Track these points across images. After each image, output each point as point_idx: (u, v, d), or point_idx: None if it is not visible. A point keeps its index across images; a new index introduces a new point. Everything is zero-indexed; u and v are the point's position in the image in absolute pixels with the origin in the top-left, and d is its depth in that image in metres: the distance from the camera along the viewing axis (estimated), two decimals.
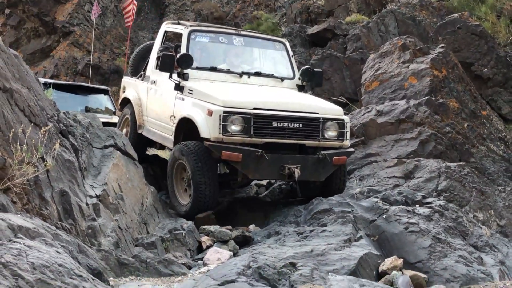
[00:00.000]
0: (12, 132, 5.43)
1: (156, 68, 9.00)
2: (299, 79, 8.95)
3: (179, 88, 8.20)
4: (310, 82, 8.95)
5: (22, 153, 5.42)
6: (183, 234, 7.39)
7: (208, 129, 7.44)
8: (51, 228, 5.00)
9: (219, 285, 5.36)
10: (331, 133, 7.85)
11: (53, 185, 5.95)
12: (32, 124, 5.95)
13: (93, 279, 4.22)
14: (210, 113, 7.42)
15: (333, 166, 7.80)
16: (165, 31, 9.47)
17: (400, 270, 6.29)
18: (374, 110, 10.28)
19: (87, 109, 11.51)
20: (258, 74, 8.84)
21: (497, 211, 8.55)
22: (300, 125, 7.66)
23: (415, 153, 9.25)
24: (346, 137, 7.99)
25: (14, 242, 3.99)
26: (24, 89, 6.15)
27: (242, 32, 9.59)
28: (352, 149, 8.45)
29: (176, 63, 8.14)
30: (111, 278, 5.64)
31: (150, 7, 23.93)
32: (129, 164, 7.95)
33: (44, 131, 5.84)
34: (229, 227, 7.65)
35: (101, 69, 20.19)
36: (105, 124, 8.63)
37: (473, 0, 14.99)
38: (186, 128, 8.10)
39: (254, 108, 7.50)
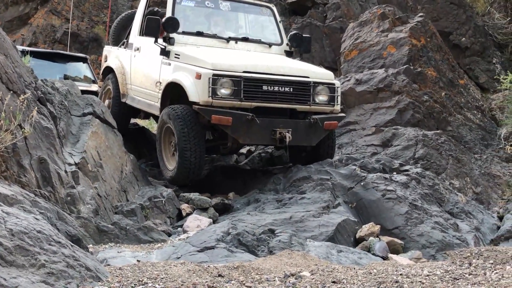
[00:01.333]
0: None
1: (141, 34, 8.86)
2: (287, 45, 8.75)
3: (165, 53, 7.98)
4: (298, 48, 8.74)
5: (0, 120, 5.37)
6: (163, 201, 7.39)
7: (197, 92, 7.23)
8: (29, 195, 4.97)
9: (198, 251, 5.40)
10: (322, 97, 7.65)
11: (31, 153, 5.91)
12: (10, 91, 5.87)
13: (72, 246, 4.21)
14: (198, 76, 7.21)
15: (324, 131, 7.64)
16: None
17: (377, 236, 6.37)
18: (353, 79, 10.30)
19: (66, 77, 11.34)
20: (245, 39, 8.61)
21: (473, 178, 8.64)
22: (291, 89, 7.47)
23: (393, 122, 9.31)
24: (337, 102, 7.77)
25: None
26: (1, 56, 6.05)
27: None
28: (343, 114, 8.27)
29: (162, 27, 7.89)
30: (91, 245, 5.64)
31: None
32: (108, 132, 7.89)
33: (22, 99, 5.77)
34: (208, 194, 7.67)
35: (79, 37, 19.89)
36: (84, 92, 8.53)
37: None
38: (173, 94, 7.90)
39: (244, 72, 7.29)
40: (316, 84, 7.60)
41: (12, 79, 6.09)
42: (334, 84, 7.77)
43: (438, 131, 9.13)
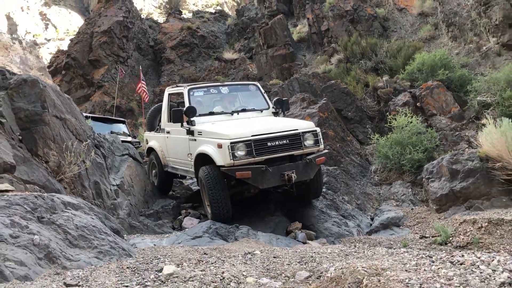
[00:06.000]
0: (64, 145, 5.28)
1: (169, 121, 7.74)
2: (273, 107, 7.62)
3: (190, 132, 6.95)
4: (281, 108, 7.60)
5: (71, 158, 5.28)
6: (170, 208, 7.30)
7: (221, 158, 6.18)
8: (88, 204, 4.86)
9: (192, 239, 5.33)
10: (309, 141, 6.63)
11: (90, 178, 5.80)
12: (77, 140, 5.80)
13: (114, 235, 4.12)
14: (220, 146, 6.21)
15: (317, 166, 6.62)
16: (169, 94, 8.05)
17: (300, 230, 6.36)
18: None
19: (112, 133, 11.20)
20: (244, 110, 7.45)
21: (356, 195, 8.73)
22: (287, 140, 6.45)
23: None
24: (321, 143, 6.73)
25: (65, 211, 3.87)
26: (73, 119, 5.99)
27: (226, 83, 8.14)
28: (326, 150, 7.20)
29: (184, 114, 6.93)
30: (125, 235, 5.52)
31: (152, 72, 23.60)
32: (137, 166, 7.81)
33: (84, 145, 5.69)
34: (198, 205, 7.57)
35: (120, 108, 19.72)
36: (123, 141, 8.44)
37: (343, 72, 15.45)
38: (201, 160, 6.71)
39: (252, 136, 6.24)
40: (304, 133, 6.61)
41: (79, 133, 6.01)
42: (316, 130, 6.78)
43: (335, 167, 9.25)
